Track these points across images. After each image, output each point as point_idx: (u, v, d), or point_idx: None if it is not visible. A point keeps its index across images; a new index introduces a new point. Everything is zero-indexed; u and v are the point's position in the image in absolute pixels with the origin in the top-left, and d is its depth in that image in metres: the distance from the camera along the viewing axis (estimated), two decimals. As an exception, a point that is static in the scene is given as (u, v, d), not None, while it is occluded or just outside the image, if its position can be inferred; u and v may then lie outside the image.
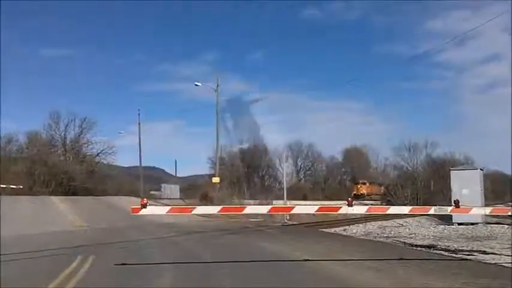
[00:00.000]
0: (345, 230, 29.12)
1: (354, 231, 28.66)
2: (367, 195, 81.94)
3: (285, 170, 64.32)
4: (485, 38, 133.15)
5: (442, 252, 17.59)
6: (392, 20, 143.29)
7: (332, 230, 27.85)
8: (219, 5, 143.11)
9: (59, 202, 40.67)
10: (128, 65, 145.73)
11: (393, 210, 14.67)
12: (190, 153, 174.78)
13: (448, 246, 19.82)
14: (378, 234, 26.53)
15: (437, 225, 31.50)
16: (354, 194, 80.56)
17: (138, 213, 11.37)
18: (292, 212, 15.36)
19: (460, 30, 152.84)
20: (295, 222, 31.90)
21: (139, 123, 71.80)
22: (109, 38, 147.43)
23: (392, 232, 27.54)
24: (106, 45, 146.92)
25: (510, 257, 15.48)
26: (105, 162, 73.43)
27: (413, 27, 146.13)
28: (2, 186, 47.79)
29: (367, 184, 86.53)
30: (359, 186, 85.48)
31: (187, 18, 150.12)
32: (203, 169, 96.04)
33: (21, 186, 51.93)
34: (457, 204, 11.76)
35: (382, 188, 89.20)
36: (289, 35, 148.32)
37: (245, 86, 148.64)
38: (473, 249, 18.34)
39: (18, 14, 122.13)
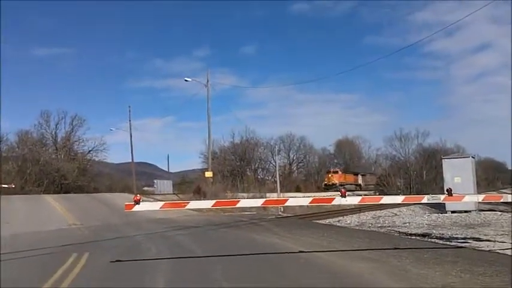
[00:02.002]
0: (339, 220, 29.22)
1: (348, 221, 28.75)
2: (340, 184, 76.24)
3: (278, 163, 64.52)
4: (473, 28, 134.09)
5: (437, 240, 17.68)
6: (380, 11, 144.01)
7: (326, 221, 27.93)
8: (209, 1, 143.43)
9: (51, 200, 40.48)
10: (118, 62, 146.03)
11: (386, 200, 14.64)
12: (182, 148, 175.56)
13: (443, 234, 19.91)
14: (372, 224, 26.62)
15: (430, 213, 31.67)
16: (325, 184, 79.07)
17: (132, 210, 11.33)
18: (286, 204, 15.38)
19: (449, 20, 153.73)
20: (289, 215, 31.94)
21: (129, 120, 71.78)
22: (100, 35, 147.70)
23: (386, 222, 27.64)
24: (97, 43, 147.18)
25: (508, 244, 15.56)
26: (96, 159, 73.25)
27: (402, 18, 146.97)
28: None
29: (340, 173, 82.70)
30: (330, 175, 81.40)
31: (179, 15, 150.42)
32: (196, 164, 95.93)
33: (13, 186, 51.61)
34: (449, 192, 11.79)
35: (359, 177, 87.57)
36: (279, 29, 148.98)
37: (236, 81, 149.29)
38: (468, 237, 18.42)
39: (7, 14, 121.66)
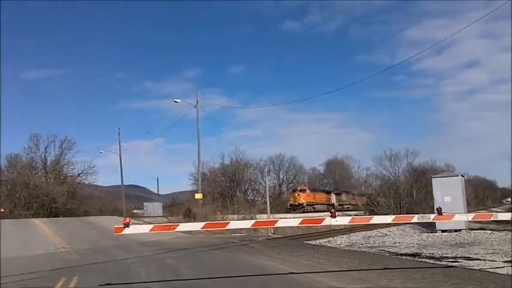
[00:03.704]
0: (329, 241, 29.14)
1: (338, 242, 28.69)
2: (309, 204, 71.77)
3: (267, 184, 64.19)
4: (463, 45, 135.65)
5: (427, 260, 17.67)
6: (370, 30, 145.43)
7: (317, 242, 27.85)
8: (199, 22, 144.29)
9: (40, 224, 40.19)
10: (108, 83, 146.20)
11: (376, 219, 14.61)
12: (172, 170, 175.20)
13: (433, 253, 19.90)
14: (362, 244, 26.57)
15: (421, 233, 31.66)
16: (290, 204, 72.29)
17: (121, 233, 11.24)
18: (276, 225, 15.32)
19: (438, 38, 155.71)
20: (279, 236, 31.84)
21: (119, 142, 71.68)
22: (89, 57, 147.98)
23: (376, 242, 27.60)
24: (86, 65, 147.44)
25: (499, 262, 15.58)
26: (86, 182, 72.71)
27: (391, 36, 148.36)
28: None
29: (308, 191, 75.26)
30: (296, 194, 74.12)
31: (168, 36, 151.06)
32: (186, 185, 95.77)
33: (2, 210, 51.27)
34: (439, 211, 11.79)
35: (333, 195, 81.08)
36: (269, 48, 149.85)
37: (226, 101, 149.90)
38: (458, 256, 18.43)
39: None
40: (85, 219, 49.18)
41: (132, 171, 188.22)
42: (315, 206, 72.44)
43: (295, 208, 69.96)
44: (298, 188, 76.89)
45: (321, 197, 78.02)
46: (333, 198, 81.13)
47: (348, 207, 78.67)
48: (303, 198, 72.37)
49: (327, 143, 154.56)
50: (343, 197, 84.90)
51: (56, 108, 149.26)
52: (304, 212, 66.93)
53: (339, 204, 78.84)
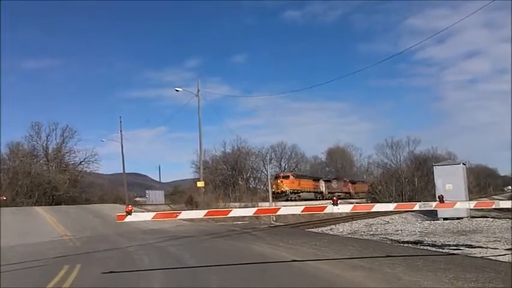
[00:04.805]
0: (331, 229, 29.17)
1: (341, 230, 28.72)
2: (293, 192, 66.78)
3: (269, 172, 63.74)
4: (465, 34, 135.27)
5: (429, 247, 17.69)
6: (372, 19, 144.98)
7: (319, 230, 27.89)
8: (200, 11, 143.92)
9: (42, 212, 40.28)
10: (108, 72, 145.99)
11: (378, 207, 14.61)
12: (174, 158, 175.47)
13: (435, 241, 19.93)
14: (364, 232, 26.60)
15: (423, 221, 31.69)
16: (273, 192, 61.97)
17: (124, 220, 11.24)
18: (278, 213, 15.33)
19: (441, 27, 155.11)
20: (281, 224, 31.88)
21: (121, 130, 71.83)
22: (89, 46, 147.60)
23: (378, 229, 27.62)
24: (86, 54, 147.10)
25: (500, 250, 15.60)
26: (88, 170, 72.71)
27: (393, 25, 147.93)
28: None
29: (292, 178, 70.32)
30: (279, 181, 68.02)
31: (169, 26, 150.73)
32: (188, 173, 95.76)
33: (4, 198, 51.34)
34: (441, 199, 11.79)
35: (322, 183, 76.55)
36: (270, 37, 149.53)
37: (228, 90, 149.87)
38: (460, 244, 18.45)
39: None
40: (87, 207, 49.24)
41: (134, 160, 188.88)
42: (301, 193, 68.15)
43: (278, 196, 63.64)
44: (281, 175, 71.96)
45: (307, 184, 72.92)
46: (322, 186, 76.86)
47: (339, 195, 71.87)
48: (286, 186, 67.35)
49: (329, 132, 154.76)
50: (334, 184, 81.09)
51: (57, 97, 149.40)
52: (287, 200, 62.81)
53: (329, 192, 73.95)
